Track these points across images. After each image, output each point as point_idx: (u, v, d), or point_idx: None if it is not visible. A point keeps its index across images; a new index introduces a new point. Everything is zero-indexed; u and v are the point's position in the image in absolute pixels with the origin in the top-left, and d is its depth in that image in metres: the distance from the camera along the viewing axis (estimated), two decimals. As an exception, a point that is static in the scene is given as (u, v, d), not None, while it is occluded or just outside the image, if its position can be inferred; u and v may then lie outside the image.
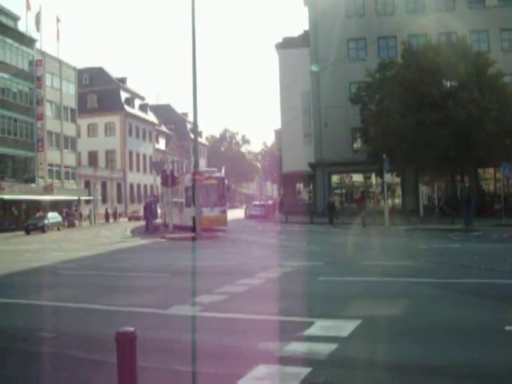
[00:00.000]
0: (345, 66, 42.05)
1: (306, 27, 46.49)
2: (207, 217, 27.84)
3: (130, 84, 77.05)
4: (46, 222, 40.20)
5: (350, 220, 31.01)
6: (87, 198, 55.19)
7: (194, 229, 25.45)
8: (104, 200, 62.22)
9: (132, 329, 3.96)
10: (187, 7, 61.23)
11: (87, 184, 59.92)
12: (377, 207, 38.58)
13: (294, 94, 47.48)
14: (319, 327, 6.94)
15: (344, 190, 43.82)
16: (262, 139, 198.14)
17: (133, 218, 57.16)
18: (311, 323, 7.11)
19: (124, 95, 71.52)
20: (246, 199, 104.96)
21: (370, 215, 31.53)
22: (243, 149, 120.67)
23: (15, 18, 48.59)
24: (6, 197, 42.28)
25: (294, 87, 46.73)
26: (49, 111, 52.38)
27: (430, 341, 6.35)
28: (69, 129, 56.41)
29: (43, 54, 51.36)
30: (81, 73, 63.74)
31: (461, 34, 34.90)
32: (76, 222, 49.42)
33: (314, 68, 43.09)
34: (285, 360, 5.62)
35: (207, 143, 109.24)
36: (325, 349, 5.95)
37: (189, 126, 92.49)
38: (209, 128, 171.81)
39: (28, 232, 38.49)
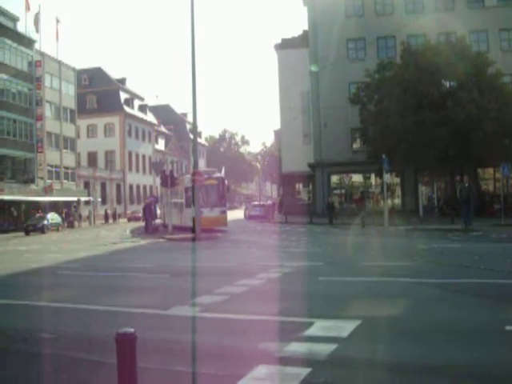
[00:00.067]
0: (344, 66, 42.07)
1: (305, 27, 46.54)
2: (207, 217, 27.84)
3: (129, 85, 77.09)
4: (45, 222, 40.19)
5: (350, 220, 31.02)
6: (87, 198, 55.15)
7: (193, 229, 25.45)
8: (103, 201, 62.18)
9: (132, 329, 3.96)
10: (186, 8, 61.31)
11: (87, 185, 59.88)
12: (376, 207, 38.61)
13: (294, 94, 47.50)
14: (319, 327, 6.94)
15: (343, 191, 43.82)
16: (262, 140, 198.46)
17: (132, 218, 57.18)
18: (311, 323, 7.12)
19: (123, 96, 71.52)
20: (246, 200, 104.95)
21: (369, 215, 31.55)
22: (242, 149, 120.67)
23: (14, 19, 48.54)
24: (5, 197, 42.26)
25: (293, 87, 46.75)
26: (48, 112, 52.34)
27: (429, 341, 6.35)
28: (68, 129, 56.39)
29: (42, 54, 51.32)
30: (80, 73, 63.73)
31: (460, 34, 34.91)
32: (75, 222, 49.41)
33: (314, 68, 43.09)
34: (285, 360, 5.62)
35: (206, 144, 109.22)
36: (325, 349, 5.95)
37: (188, 127, 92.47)
38: (208, 128, 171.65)
39: (27, 233, 38.49)
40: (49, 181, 50.60)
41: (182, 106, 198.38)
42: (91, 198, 55.37)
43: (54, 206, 48.46)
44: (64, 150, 55.10)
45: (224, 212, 30.56)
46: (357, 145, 42.77)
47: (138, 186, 73.74)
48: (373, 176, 42.10)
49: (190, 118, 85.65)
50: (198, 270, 13.75)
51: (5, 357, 6.25)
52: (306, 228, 31.33)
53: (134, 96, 75.22)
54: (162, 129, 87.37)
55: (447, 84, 34.08)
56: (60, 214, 46.57)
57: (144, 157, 75.68)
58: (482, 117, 29.92)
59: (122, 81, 74.71)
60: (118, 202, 67.27)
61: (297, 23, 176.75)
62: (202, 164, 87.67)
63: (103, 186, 64.38)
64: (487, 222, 27.25)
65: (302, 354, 5.85)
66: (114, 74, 75.84)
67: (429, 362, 5.50)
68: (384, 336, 6.71)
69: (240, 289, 10.13)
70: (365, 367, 5.57)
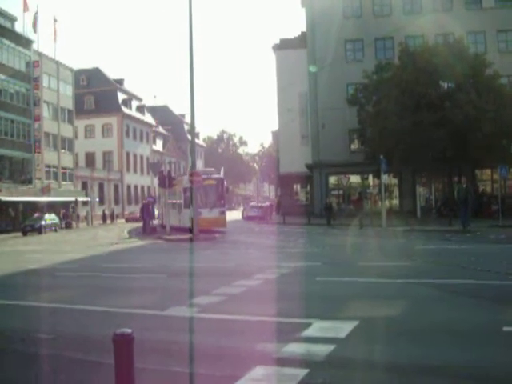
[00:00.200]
0: (342, 67, 42.10)
1: (304, 28, 46.54)
2: (206, 218, 27.81)
3: (127, 85, 77.05)
4: (43, 223, 40.16)
5: (348, 221, 31.04)
6: (84, 199, 55.08)
7: (191, 230, 25.44)
8: (101, 201, 62.08)
9: (129, 330, 3.96)
10: (184, 8, 61.36)
11: (84, 185, 59.81)
12: (374, 208, 38.64)
13: (292, 95, 47.47)
14: (317, 328, 6.94)
15: (341, 191, 43.87)
16: (260, 140, 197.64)
17: (130, 219, 57.08)
18: (309, 324, 7.12)
19: (121, 96, 71.46)
20: (244, 200, 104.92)
21: (367, 216, 31.58)
22: (240, 150, 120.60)
23: (12, 19, 48.48)
24: (2, 198, 42.17)
25: (291, 88, 46.72)
26: (46, 112, 52.30)
27: (427, 341, 6.36)
28: (66, 130, 56.32)
29: (40, 54, 51.26)
30: (78, 74, 63.67)
31: (458, 35, 34.98)
32: (73, 223, 49.34)
33: (312, 69, 43.11)
34: (282, 361, 5.62)
35: (204, 144, 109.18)
36: (322, 350, 5.95)
37: (186, 128, 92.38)
38: (206, 129, 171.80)
39: (25, 233, 38.45)
40: (46, 181, 50.52)
41: (180, 106, 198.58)
42: (89, 199, 55.30)
43: (52, 207, 48.37)
44: (62, 151, 55.04)
45: (223, 213, 30.52)
46: (355, 146, 42.80)
47: (135, 187, 73.69)
48: (371, 177, 42.09)
49: (187, 119, 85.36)
50: (196, 271, 13.74)
51: (2, 357, 6.24)
52: (303, 229, 31.33)
53: (131, 97, 75.18)
54: (160, 129, 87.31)
55: (445, 85, 34.13)
56: (58, 214, 46.49)
57: (142, 157, 75.62)
58: (479, 118, 29.97)
59: (120, 81, 74.67)
60: (116, 202, 67.20)
61: (295, 24, 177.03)
62: (199, 165, 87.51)
63: (101, 186, 64.31)
64: (485, 223, 27.28)
65: (299, 355, 5.84)
66: (112, 74, 75.96)
67: (427, 363, 5.51)
68: (382, 337, 6.72)
69: (238, 289, 10.12)
70: (363, 368, 5.57)
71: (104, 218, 56.11)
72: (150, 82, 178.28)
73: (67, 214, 50.28)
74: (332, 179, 43.61)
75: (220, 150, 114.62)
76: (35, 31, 50.37)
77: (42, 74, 50.82)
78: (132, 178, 72.27)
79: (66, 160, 56.01)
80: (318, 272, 12.43)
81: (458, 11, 39.93)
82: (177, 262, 16.40)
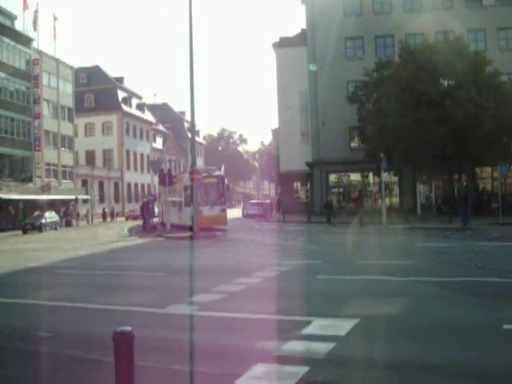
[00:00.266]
0: (342, 64, 42.05)
1: (304, 26, 46.49)
2: (207, 216, 27.81)
3: (127, 83, 76.98)
4: (43, 221, 40.16)
5: (348, 219, 31.04)
6: (84, 197, 55.09)
7: (191, 228, 25.44)
8: (101, 199, 62.09)
9: (129, 328, 3.95)
10: (184, 6, 61.27)
11: (84, 183, 59.82)
12: (374, 206, 38.62)
13: (292, 93, 47.42)
14: (317, 326, 6.93)
15: (342, 189, 43.87)
16: (260, 138, 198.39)
17: (130, 217, 57.16)
18: (309, 322, 7.11)
19: (121, 94, 71.40)
20: (244, 198, 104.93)
21: (367, 214, 31.57)
22: (240, 148, 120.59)
23: (12, 17, 48.41)
24: (3, 196, 42.18)
25: (291, 86, 46.67)
26: (46, 110, 52.26)
27: (428, 339, 6.35)
28: (66, 128, 56.28)
29: (40, 52, 51.21)
30: (78, 72, 63.58)
31: (458, 32, 34.89)
32: (73, 221, 49.35)
33: (312, 67, 43.06)
34: (282, 359, 5.61)
35: (204, 142, 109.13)
36: (322, 348, 5.95)
37: (186, 125, 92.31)
38: (206, 127, 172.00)
39: (25, 231, 38.45)
40: (46, 179, 50.51)
41: (180, 104, 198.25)
42: (89, 197, 55.32)
43: (52, 205, 48.40)
44: (62, 149, 55.02)
45: (224, 211, 30.50)
46: (355, 143, 42.77)
47: (135, 185, 73.67)
48: (371, 175, 42.07)
49: (188, 117, 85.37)
50: (196, 269, 13.74)
51: (2, 355, 6.24)
52: (304, 227, 31.33)
53: (131, 94, 75.12)
54: (160, 127, 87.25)
55: (445, 83, 34.10)
56: (58, 212, 46.50)
57: (142, 155, 75.61)
58: (480, 115, 29.94)
59: (120, 79, 74.61)
60: (116, 200, 67.20)
61: (295, 22, 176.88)
62: (199, 163, 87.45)
63: (101, 184, 64.31)
64: (485, 220, 27.28)
65: (299, 353, 5.84)
66: (112, 72, 75.79)
67: (427, 361, 5.50)
68: (382, 334, 6.71)
69: (238, 287, 10.12)
70: (363, 366, 5.57)
71: (104, 216, 56.15)
72: (150, 80, 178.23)
73: (67, 212, 50.28)
74: (332, 177, 43.61)
75: (220, 148, 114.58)
76: (35, 29, 50.39)
77: (41, 72, 50.76)
78: (132, 176, 72.26)
79: (66, 158, 55.99)
80: (319, 270, 12.42)
81: (458, 9, 39.88)
82: (177, 260, 16.40)
